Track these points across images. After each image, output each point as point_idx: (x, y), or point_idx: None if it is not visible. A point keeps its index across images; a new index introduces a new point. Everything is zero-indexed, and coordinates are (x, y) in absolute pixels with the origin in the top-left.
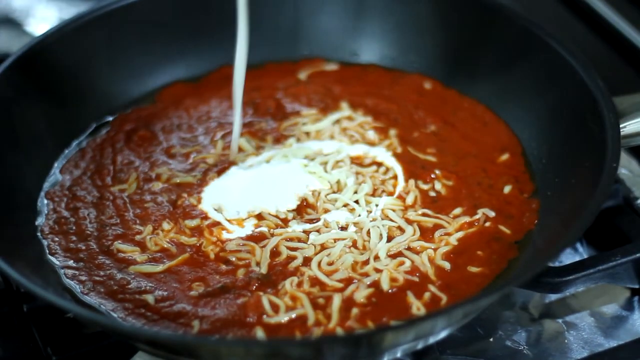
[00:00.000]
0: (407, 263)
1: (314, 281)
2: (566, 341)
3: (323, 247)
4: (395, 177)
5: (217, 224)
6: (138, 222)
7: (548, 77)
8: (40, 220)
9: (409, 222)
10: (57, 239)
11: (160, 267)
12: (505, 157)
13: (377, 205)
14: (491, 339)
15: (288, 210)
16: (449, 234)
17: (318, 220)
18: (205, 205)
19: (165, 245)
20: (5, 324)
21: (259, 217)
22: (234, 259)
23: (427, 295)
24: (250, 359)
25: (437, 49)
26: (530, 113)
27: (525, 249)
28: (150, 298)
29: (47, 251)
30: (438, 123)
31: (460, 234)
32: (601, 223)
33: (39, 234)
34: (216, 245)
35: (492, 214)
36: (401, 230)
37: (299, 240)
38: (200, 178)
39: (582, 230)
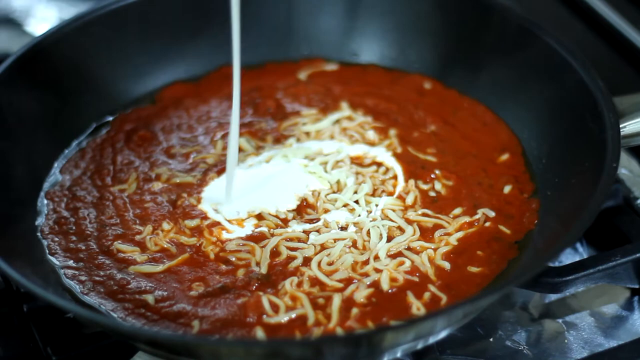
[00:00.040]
0: (407, 263)
1: (314, 281)
2: (566, 341)
3: (323, 247)
4: (395, 177)
5: (216, 224)
6: (138, 222)
7: (548, 77)
8: (40, 220)
9: (409, 222)
10: (57, 239)
11: (160, 267)
12: (505, 157)
13: (377, 205)
14: (491, 339)
15: (288, 210)
16: (449, 234)
17: (318, 220)
18: (205, 205)
19: (165, 246)
20: (5, 324)
21: (259, 217)
22: (234, 259)
23: (427, 295)
24: (250, 359)
25: (437, 49)
26: (530, 113)
27: (525, 249)
28: (150, 298)
29: (47, 251)
30: (438, 123)
31: (460, 234)
32: (601, 223)
33: (39, 234)
34: (216, 245)
35: (492, 214)
36: (401, 230)
37: (299, 240)
38: (200, 178)
39: (582, 231)
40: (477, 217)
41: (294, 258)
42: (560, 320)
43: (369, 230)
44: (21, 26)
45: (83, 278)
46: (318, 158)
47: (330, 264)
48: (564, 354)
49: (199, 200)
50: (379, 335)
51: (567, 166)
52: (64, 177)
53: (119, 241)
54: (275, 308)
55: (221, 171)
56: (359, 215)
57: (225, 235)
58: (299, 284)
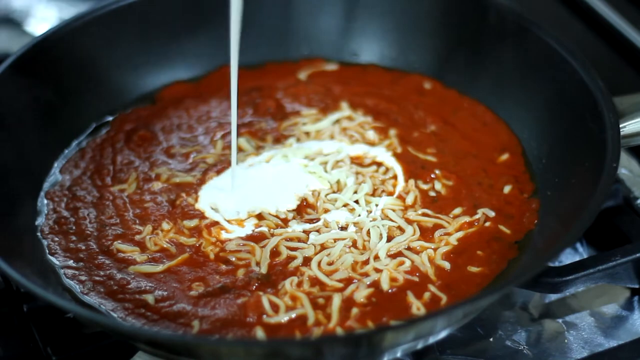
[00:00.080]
0: (407, 263)
1: (314, 281)
2: (566, 341)
3: (323, 247)
4: (395, 177)
5: (215, 224)
6: (138, 222)
7: (548, 78)
8: (40, 220)
9: (409, 222)
10: (57, 239)
11: (160, 267)
12: (505, 157)
13: (377, 205)
14: (491, 339)
15: (288, 210)
16: (449, 234)
17: (318, 220)
18: (203, 204)
19: (165, 245)
20: (5, 324)
21: (259, 217)
22: (233, 259)
23: (427, 295)
24: (250, 359)
25: (437, 49)
26: (530, 113)
27: (525, 249)
28: (150, 298)
29: (47, 251)
30: (438, 123)
31: (460, 234)
32: (601, 223)
33: (39, 234)
34: (216, 245)
35: (492, 214)
36: (401, 230)
37: (299, 240)
38: (199, 178)
39: (582, 231)
40: (477, 217)
41: (294, 258)
42: (560, 320)
43: (369, 230)
44: (21, 26)
45: (83, 278)
46: (318, 158)
47: (330, 263)
48: (564, 354)
49: (197, 200)
50: (379, 335)
51: (567, 166)
52: (64, 177)
53: (119, 241)
54: (275, 308)
55: (221, 171)
56: (359, 215)
57: (224, 235)
58: (299, 284)
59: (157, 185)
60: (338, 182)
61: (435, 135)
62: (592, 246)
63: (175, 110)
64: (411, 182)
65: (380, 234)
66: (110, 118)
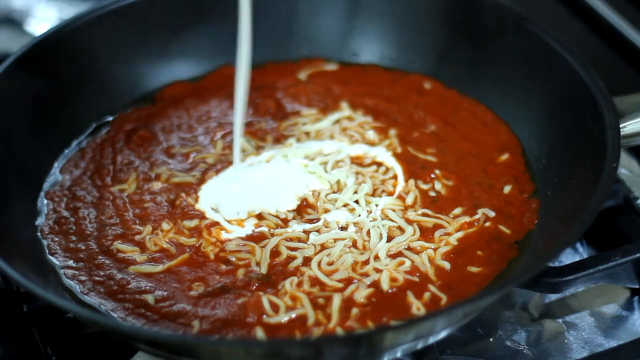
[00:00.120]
0: (407, 263)
1: (314, 281)
2: (566, 341)
3: (323, 247)
4: (395, 177)
5: (215, 224)
6: (138, 222)
7: (548, 77)
8: (40, 220)
9: (409, 222)
10: (57, 239)
11: (160, 267)
12: (505, 157)
13: (377, 205)
14: (491, 339)
15: (288, 210)
16: (449, 234)
17: (318, 220)
18: (203, 205)
19: (165, 246)
20: (5, 324)
21: (259, 217)
22: (233, 259)
23: (427, 295)
24: (250, 359)
25: (437, 49)
26: (530, 113)
27: (525, 249)
28: (150, 298)
29: (47, 251)
30: (438, 123)
31: (460, 234)
32: (601, 223)
33: (39, 234)
34: (216, 245)
35: (492, 214)
36: (401, 230)
37: (299, 240)
38: (199, 178)
39: (582, 231)
40: (477, 217)
41: (294, 258)
42: (560, 320)
43: (369, 230)
44: (21, 26)
45: (83, 278)
46: (318, 158)
47: (330, 263)
48: (564, 354)
49: (197, 200)
50: (379, 335)
51: (567, 166)
52: (64, 177)
53: (119, 241)
54: (275, 308)
55: (220, 171)
56: (359, 215)
57: (224, 235)
58: (299, 284)
59: (157, 185)
60: (338, 182)
61: (435, 135)
62: (592, 246)
63: (175, 110)
64: (411, 182)
65: (380, 234)
66: (110, 118)
